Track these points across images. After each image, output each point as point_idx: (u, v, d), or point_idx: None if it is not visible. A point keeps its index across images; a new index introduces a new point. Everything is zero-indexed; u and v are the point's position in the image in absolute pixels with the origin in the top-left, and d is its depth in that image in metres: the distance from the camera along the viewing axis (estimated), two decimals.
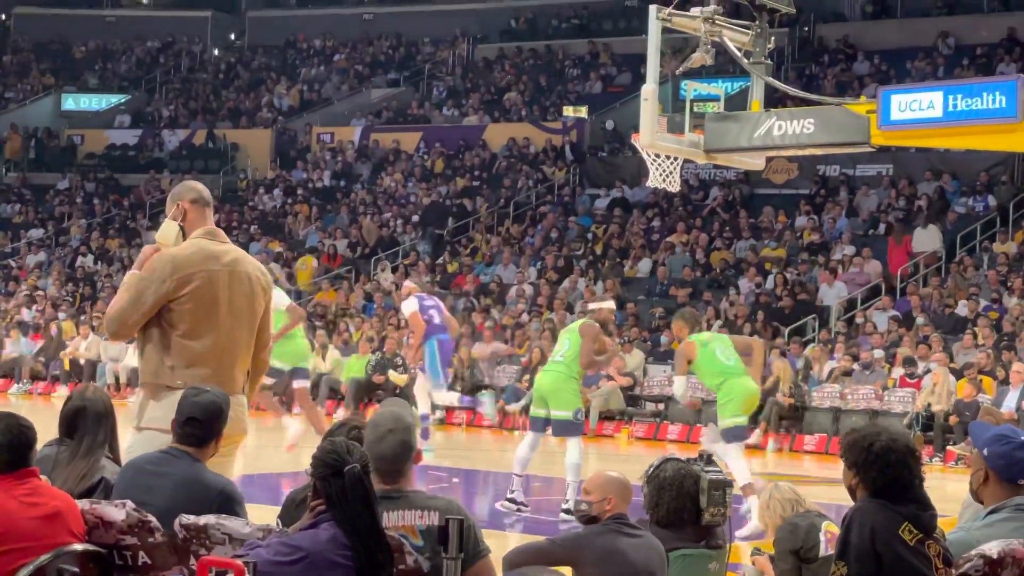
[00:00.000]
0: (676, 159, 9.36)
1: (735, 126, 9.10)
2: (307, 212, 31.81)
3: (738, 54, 9.01)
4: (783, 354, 20.17)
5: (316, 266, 28.74)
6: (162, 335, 5.89)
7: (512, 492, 11.87)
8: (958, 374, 18.58)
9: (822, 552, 6.09)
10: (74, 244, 32.61)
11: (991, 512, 4.80)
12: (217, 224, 6.23)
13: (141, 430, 5.86)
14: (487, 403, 17.18)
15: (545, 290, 24.83)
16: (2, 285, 30.63)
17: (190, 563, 4.70)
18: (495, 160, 32.01)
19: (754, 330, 21.19)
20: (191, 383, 5.51)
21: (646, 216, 27.55)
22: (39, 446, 5.06)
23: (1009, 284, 21.70)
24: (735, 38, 9.02)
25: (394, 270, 27.35)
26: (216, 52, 42.13)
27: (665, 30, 8.88)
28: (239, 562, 4.28)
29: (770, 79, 9.22)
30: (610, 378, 20.40)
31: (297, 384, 15.22)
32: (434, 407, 20.71)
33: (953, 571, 4.46)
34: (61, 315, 26.94)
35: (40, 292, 29.10)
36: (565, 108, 32.77)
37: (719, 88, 12.81)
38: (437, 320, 15.02)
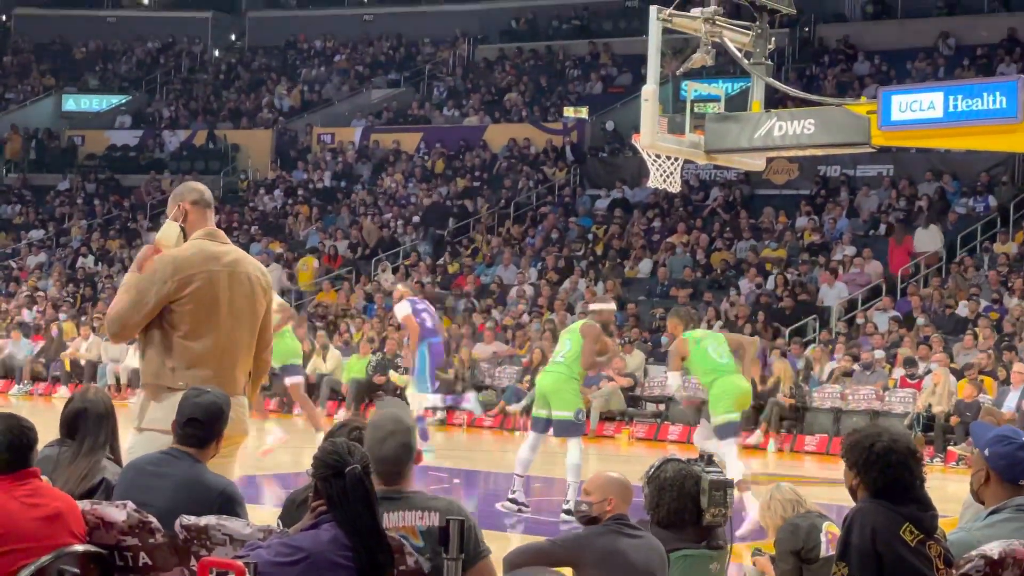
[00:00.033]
0: (677, 160, 9.37)
1: (735, 127, 9.10)
2: (307, 213, 31.81)
3: (738, 55, 9.01)
4: (784, 355, 20.18)
5: (317, 266, 28.74)
6: (163, 336, 5.89)
7: (513, 492, 11.89)
8: (959, 375, 18.58)
9: (823, 553, 6.10)
10: (75, 245, 32.61)
11: (992, 512, 4.80)
12: (218, 225, 6.23)
13: (142, 431, 5.87)
14: (470, 399, 17.23)
15: (546, 291, 24.83)
16: (3, 286, 30.63)
17: (191, 564, 4.70)
18: (495, 161, 32.01)
19: (754, 331, 21.19)
20: (192, 384, 5.51)
21: (647, 217, 27.56)
22: (40, 447, 5.06)
23: (1010, 284, 21.70)
24: (735, 39, 9.02)
25: (395, 271, 27.36)
26: (217, 53, 42.14)
27: (666, 31, 8.89)
28: (240, 563, 4.28)
29: (770, 80, 9.23)
30: (610, 379, 20.40)
31: (289, 380, 15.32)
32: (435, 409, 20.76)
33: (954, 571, 4.46)
34: (62, 316, 26.94)
35: (41, 293, 29.10)
36: (566, 109, 32.76)
37: (719, 89, 12.80)
38: (429, 324, 15.10)
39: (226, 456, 5.71)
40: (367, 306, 26.00)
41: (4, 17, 43.70)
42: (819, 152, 10.76)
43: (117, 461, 5.64)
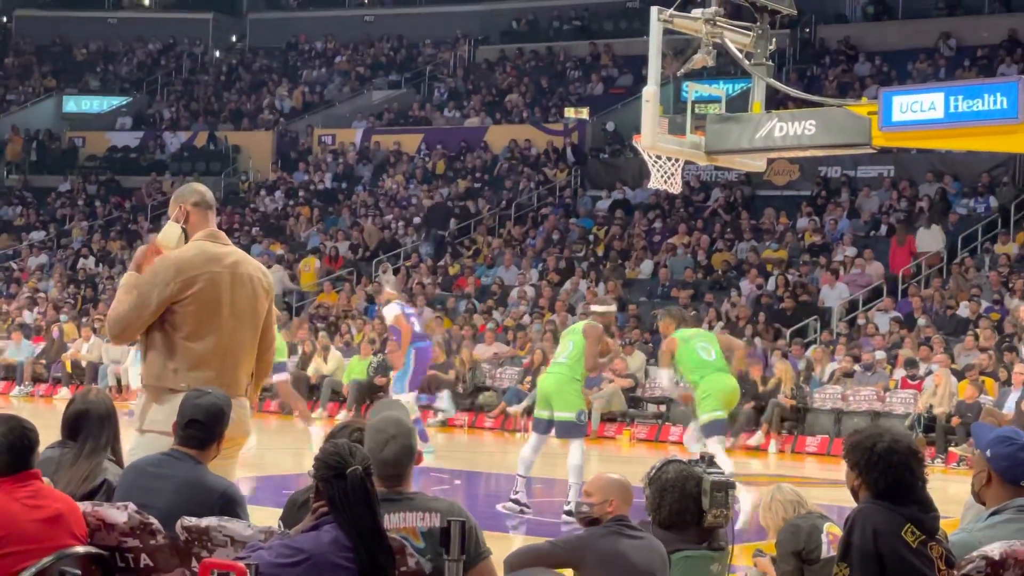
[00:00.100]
0: (677, 160, 9.36)
1: (736, 127, 9.10)
2: (308, 214, 31.81)
3: (739, 55, 9.01)
4: (785, 356, 20.18)
5: (319, 267, 28.74)
6: (165, 338, 5.88)
7: (516, 493, 11.88)
8: (960, 375, 18.57)
9: (824, 554, 6.09)
10: (75, 246, 32.60)
11: (993, 513, 4.80)
12: (219, 226, 6.23)
13: (144, 432, 5.87)
14: (444, 399, 17.24)
15: (547, 292, 24.83)
16: (4, 287, 30.63)
17: (192, 565, 4.70)
18: (496, 162, 32.00)
19: (755, 332, 21.21)
20: (194, 385, 5.51)
21: (647, 218, 27.55)
22: (41, 448, 5.06)
23: (1011, 285, 21.69)
24: (736, 39, 9.01)
25: (396, 272, 27.35)
26: (217, 54, 42.14)
27: (666, 31, 8.88)
28: (241, 564, 4.27)
29: (771, 80, 9.22)
30: (610, 380, 20.39)
31: (276, 378, 15.34)
32: (436, 410, 20.78)
33: (955, 572, 4.46)
34: (63, 317, 26.94)
35: (42, 294, 29.10)
36: (566, 110, 32.75)
37: (720, 89, 12.83)
38: (417, 328, 15.14)
39: (227, 457, 5.71)
40: (368, 307, 25.99)
41: (5, 18, 43.71)
42: (820, 153, 10.76)
43: (119, 463, 5.64)
